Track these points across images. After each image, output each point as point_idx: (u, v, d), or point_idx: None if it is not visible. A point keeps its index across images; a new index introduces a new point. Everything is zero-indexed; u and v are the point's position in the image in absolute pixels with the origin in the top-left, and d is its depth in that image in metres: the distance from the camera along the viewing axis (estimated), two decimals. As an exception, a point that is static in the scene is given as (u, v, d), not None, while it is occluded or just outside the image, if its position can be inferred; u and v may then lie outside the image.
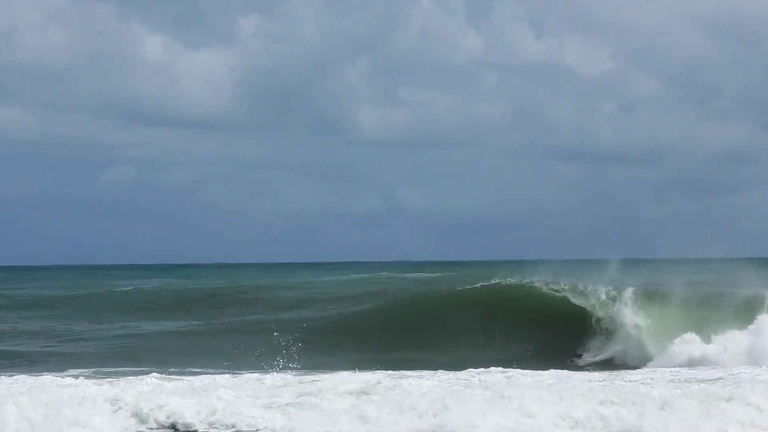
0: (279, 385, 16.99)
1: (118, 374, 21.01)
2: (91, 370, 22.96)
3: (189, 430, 15.22)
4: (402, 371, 18.92)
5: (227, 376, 18.76)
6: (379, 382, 17.08)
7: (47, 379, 18.30)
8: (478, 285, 31.41)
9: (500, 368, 18.88)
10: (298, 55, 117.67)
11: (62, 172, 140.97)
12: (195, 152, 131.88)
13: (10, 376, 18.90)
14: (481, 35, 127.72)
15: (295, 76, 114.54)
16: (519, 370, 18.56)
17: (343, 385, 16.91)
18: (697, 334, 24.51)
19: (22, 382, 17.83)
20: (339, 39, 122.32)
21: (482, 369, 18.76)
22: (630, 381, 17.73)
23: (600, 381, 17.58)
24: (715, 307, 26.11)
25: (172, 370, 22.09)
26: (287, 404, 15.60)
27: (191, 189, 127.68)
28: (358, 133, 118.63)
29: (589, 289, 28.16)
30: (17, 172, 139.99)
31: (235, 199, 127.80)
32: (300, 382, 17.28)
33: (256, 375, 18.52)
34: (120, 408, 15.61)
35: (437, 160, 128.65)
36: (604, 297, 27.71)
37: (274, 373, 19.08)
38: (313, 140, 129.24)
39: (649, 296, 27.50)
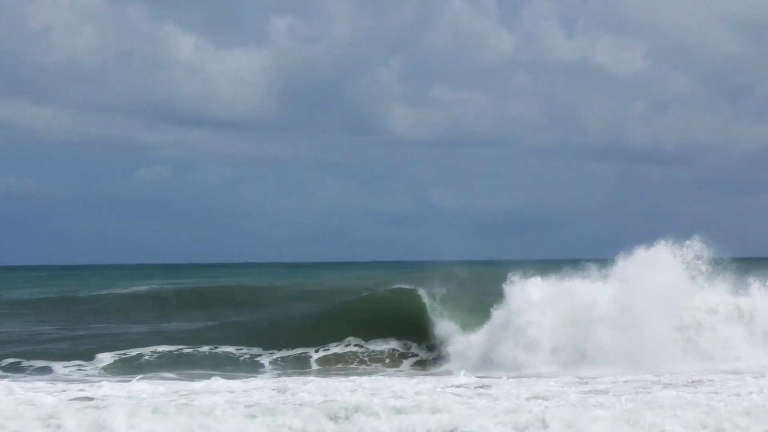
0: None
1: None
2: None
3: None
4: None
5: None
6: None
7: None
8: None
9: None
10: (330, 55, 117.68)
11: (96, 172, 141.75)
12: (228, 152, 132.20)
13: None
14: (513, 35, 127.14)
15: (328, 76, 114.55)
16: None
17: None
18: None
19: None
20: (372, 39, 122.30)
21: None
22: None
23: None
24: None
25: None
26: None
27: (225, 189, 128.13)
28: (391, 132, 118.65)
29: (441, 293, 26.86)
30: (51, 172, 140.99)
31: (269, 198, 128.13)
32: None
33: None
34: None
35: (470, 159, 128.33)
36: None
37: None
38: (346, 140, 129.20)
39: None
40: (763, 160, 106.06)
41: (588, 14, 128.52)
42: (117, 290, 47.44)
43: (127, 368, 24.18)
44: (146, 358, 25.29)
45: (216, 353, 25.72)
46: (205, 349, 25.87)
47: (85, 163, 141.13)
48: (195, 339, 26.89)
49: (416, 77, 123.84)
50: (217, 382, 19.05)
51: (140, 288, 47.36)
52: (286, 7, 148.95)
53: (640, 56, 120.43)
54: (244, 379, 20.36)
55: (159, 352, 25.56)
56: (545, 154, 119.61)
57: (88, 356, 24.94)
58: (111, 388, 18.22)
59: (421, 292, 26.79)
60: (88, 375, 23.43)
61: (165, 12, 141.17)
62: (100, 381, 19.96)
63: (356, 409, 14.47)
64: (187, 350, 25.78)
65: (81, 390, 18.20)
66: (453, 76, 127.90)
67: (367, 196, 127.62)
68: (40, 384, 19.27)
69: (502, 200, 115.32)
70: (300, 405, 15.36)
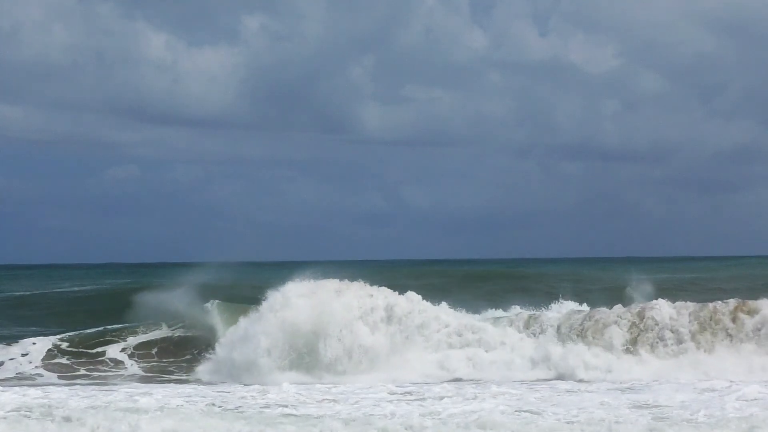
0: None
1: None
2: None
3: None
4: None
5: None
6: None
7: None
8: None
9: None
10: (302, 54, 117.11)
11: (66, 171, 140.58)
12: (199, 150, 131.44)
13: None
14: (485, 33, 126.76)
15: (300, 75, 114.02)
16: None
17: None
18: None
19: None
20: (343, 37, 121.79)
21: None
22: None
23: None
24: None
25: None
26: None
27: (196, 187, 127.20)
28: (362, 131, 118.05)
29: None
30: (21, 170, 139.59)
31: (240, 197, 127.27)
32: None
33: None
34: None
35: (442, 158, 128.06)
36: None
37: None
38: (317, 138, 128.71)
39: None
40: (734, 159, 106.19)
41: (560, 12, 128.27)
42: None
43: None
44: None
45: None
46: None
47: (55, 162, 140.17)
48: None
49: (388, 76, 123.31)
50: None
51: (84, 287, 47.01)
52: (257, 6, 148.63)
53: (612, 55, 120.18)
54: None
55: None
56: (517, 153, 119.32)
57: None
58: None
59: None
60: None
61: (136, 10, 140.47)
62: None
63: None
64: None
65: None
66: (425, 74, 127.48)
67: (339, 195, 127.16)
68: None
69: (474, 199, 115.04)
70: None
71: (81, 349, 26.01)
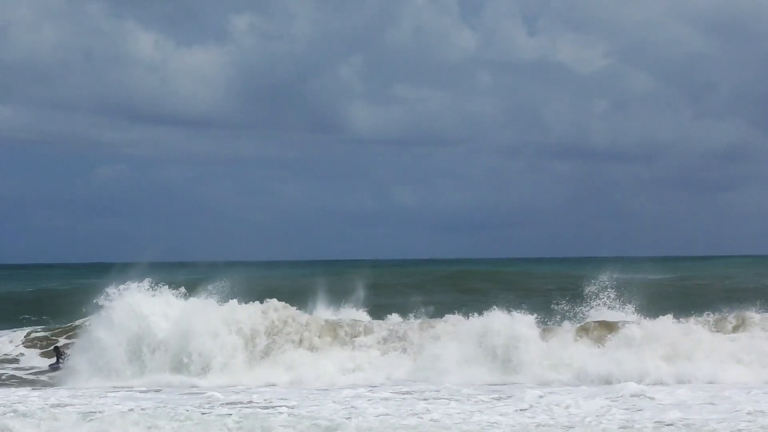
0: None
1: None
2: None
3: None
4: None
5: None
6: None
7: None
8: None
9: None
10: (292, 53, 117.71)
11: (56, 171, 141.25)
12: (189, 150, 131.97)
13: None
14: (475, 33, 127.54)
15: (290, 74, 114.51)
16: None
17: None
18: None
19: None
20: (333, 36, 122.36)
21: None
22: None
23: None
24: None
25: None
26: None
27: (186, 187, 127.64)
28: (352, 130, 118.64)
29: None
30: (11, 170, 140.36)
31: (230, 196, 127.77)
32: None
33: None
34: None
35: (432, 157, 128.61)
36: None
37: None
38: (307, 138, 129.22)
39: None
40: (723, 159, 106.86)
41: (550, 12, 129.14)
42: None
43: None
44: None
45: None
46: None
47: (45, 162, 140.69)
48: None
49: (378, 75, 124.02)
50: None
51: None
52: (246, 5, 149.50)
53: (601, 54, 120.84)
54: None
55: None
56: (507, 153, 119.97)
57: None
58: None
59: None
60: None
61: (125, 10, 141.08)
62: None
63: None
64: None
65: None
66: (415, 74, 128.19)
67: (328, 195, 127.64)
68: None
69: (463, 199, 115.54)
70: None
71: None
